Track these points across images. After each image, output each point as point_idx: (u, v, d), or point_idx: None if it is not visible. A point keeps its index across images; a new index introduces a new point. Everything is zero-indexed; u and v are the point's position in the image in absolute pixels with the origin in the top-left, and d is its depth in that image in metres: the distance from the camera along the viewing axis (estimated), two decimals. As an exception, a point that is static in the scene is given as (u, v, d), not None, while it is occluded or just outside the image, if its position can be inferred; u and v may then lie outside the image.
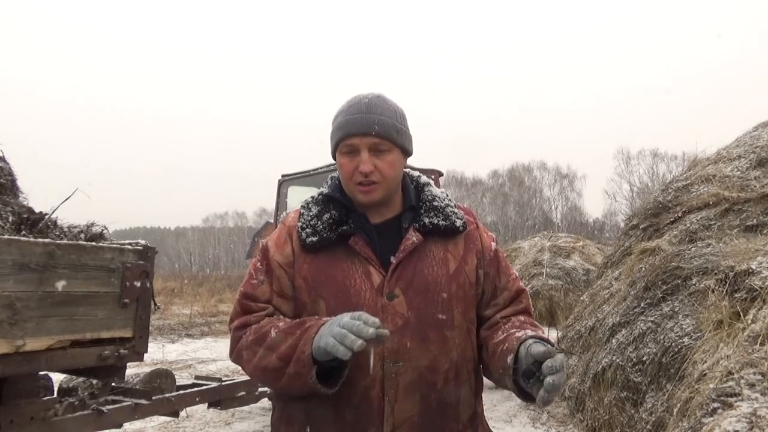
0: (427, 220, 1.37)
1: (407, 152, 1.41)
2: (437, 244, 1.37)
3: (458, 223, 1.40)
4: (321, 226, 1.35)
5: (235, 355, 1.34)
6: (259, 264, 1.40)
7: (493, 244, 1.46)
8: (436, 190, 1.46)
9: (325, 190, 1.44)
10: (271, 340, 1.25)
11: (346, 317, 1.16)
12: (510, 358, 1.24)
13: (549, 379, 1.12)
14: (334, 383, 1.22)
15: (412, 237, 1.35)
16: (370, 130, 1.32)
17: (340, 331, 1.13)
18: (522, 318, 1.41)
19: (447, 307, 1.33)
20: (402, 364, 1.28)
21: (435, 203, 1.41)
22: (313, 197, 1.45)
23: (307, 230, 1.35)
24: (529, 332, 1.27)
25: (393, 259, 1.32)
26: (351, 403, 1.28)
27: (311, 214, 1.38)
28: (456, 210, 1.42)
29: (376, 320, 1.14)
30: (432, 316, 1.32)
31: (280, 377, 1.23)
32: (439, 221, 1.38)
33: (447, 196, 1.46)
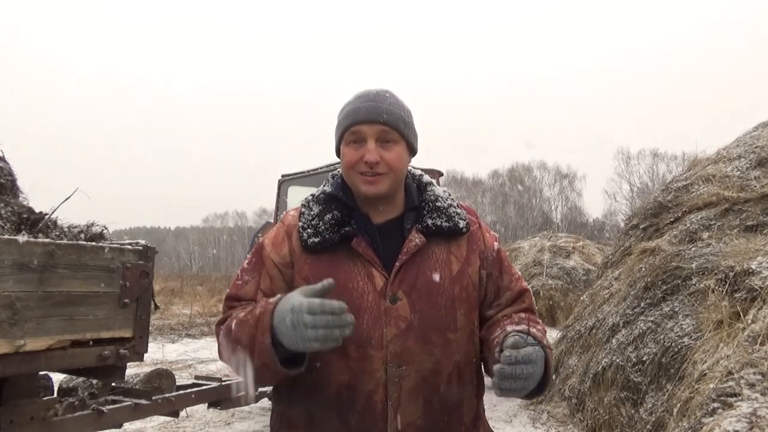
0: (430, 222, 1.35)
1: (413, 149, 1.39)
2: (440, 246, 1.35)
3: (461, 224, 1.37)
4: (323, 227, 1.32)
5: (219, 353, 1.34)
6: (246, 264, 1.38)
7: (496, 244, 1.44)
8: (438, 190, 1.43)
9: (327, 188, 1.40)
10: (233, 333, 1.24)
11: (305, 314, 1.10)
12: (497, 351, 1.22)
13: (497, 366, 1.14)
14: (300, 363, 1.20)
15: (415, 239, 1.32)
16: (378, 117, 1.30)
17: (317, 333, 1.09)
18: (523, 315, 1.40)
19: (450, 310, 1.32)
20: (405, 368, 1.26)
21: (438, 204, 1.39)
22: (313, 195, 1.42)
23: (309, 230, 1.32)
24: (517, 327, 1.26)
25: (396, 262, 1.30)
26: (354, 408, 1.26)
27: (312, 213, 1.35)
28: (459, 210, 1.40)
29: (338, 305, 1.11)
30: (435, 318, 1.30)
31: (251, 369, 1.22)
32: (442, 222, 1.35)
33: (449, 195, 1.44)
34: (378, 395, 1.26)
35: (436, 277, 1.32)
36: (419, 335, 1.28)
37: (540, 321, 1.41)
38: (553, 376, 5.97)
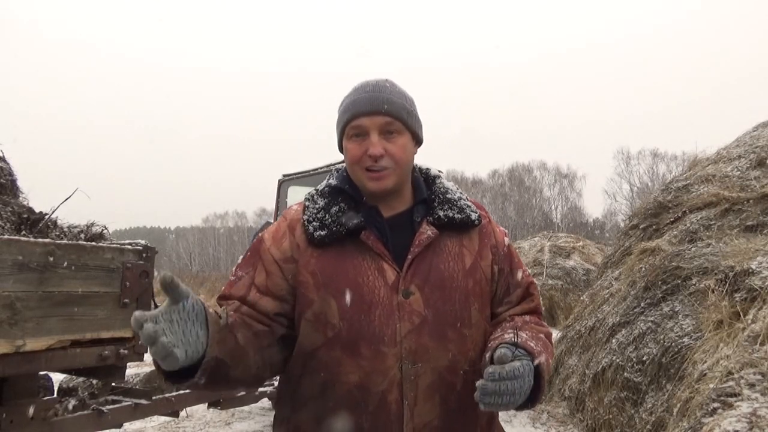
0: (441, 213, 1.30)
1: (418, 139, 1.34)
2: (452, 239, 1.30)
3: (473, 216, 1.33)
4: (329, 219, 1.26)
5: None
6: (242, 259, 1.33)
7: (506, 239, 1.40)
8: (447, 183, 1.39)
9: (332, 181, 1.35)
10: None
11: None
12: (487, 356, 1.19)
13: (480, 382, 1.09)
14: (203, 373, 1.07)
15: (427, 231, 1.28)
16: (380, 108, 1.25)
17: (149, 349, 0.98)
18: (527, 318, 1.35)
19: (464, 304, 1.26)
20: (421, 365, 1.20)
21: (448, 196, 1.34)
22: (317, 189, 1.36)
23: (315, 224, 1.27)
24: (508, 336, 1.21)
25: (409, 255, 1.25)
26: (367, 410, 1.20)
27: (318, 206, 1.30)
28: (469, 203, 1.36)
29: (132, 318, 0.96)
30: (450, 313, 1.24)
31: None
32: (454, 214, 1.31)
33: (458, 189, 1.40)
34: (392, 395, 1.19)
35: (450, 270, 1.27)
36: (434, 330, 1.22)
37: (544, 324, 1.37)
38: (548, 386, 5.98)
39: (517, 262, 1.41)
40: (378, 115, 1.25)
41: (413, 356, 1.20)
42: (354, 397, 1.20)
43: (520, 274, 1.39)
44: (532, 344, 1.19)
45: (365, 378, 1.20)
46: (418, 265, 1.25)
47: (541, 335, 1.30)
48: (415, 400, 1.20)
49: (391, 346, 1.20)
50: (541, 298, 1.45)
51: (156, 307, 3.29)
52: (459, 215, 1.31)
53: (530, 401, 1.16)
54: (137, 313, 0.95)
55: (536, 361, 1.15)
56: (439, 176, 1.42)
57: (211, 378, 1.07)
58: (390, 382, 1.20)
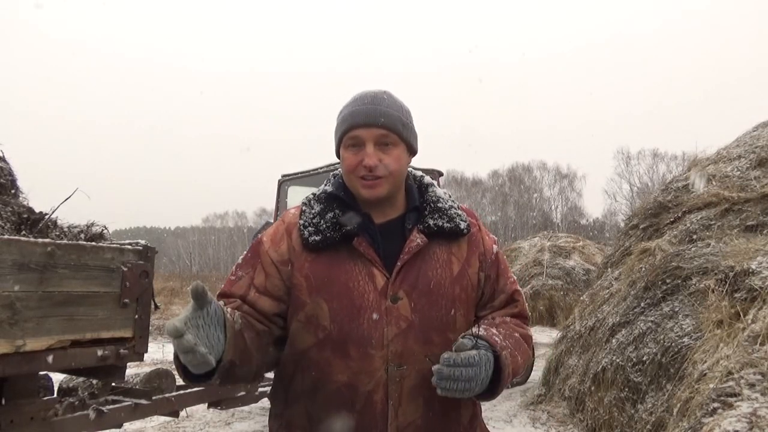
0: (431, 222, 1.35)
1: (412, 150, 1.39)
2: (441, 246, 1.36)
3: (462, 225, 1.38)
4: (324, 225, 1.32)
5: None
6: (242, 259, 1.38)
7: (495, 247, 1.45)
8: (439, 191, 1.44)
9: (328, 188, 1.41)
10: None
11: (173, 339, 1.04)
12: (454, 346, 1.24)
13: (436, 367, 1.17)
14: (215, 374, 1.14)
15: (417, 239, 1.33)
16: (376, 121, 1.30)
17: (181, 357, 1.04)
18: (508, 318, 1.42)
19: (450, 310, 1.32)
20: (406, 368, 1.27)
21: (439, 204, 1.40)
22: (314, 194, 1.42)
23: (310, 229, 1.32)
24: (474, 329, 1.28)
25: (398, 262, 1.31)
26: (354, 408, 1.26)
27: (314, 212, 1.36)
28: (460, 212, 1.41)
29: (170, 327, 1.01)
30: (436, 318, 1.30)
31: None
32: (443, 223, 1.36)
33: (450, 197, 1.45)
34: (378, 395, 1.26)
35: (437, 277, 1.33)
36: (420, 335, 1.28)
37: (525, 326, 1.44)
38: (545, 382, 5.98)
39: (504, 269, 1.46)
40: (374, 128, 1.31)
41: (399, 359, 1.27)
42: (342, 396, 1.27)
43: (504, 281, 1.45)
44: (496, 338, 1.27)
45: (353, 378, 1.26)
46: (407, 272, 1.31)
47: (516, 334, 1.37)
48: (400, 400, 1.27)
49: (378, 348, 1.26)
50: (527, 305, 1.50)
51: (156, 307, 3.24)
52: (448, 224, 1.37)
53: (490, 392, 1.23)
54: (174, 323, 1.01)
55: (496, 352, 1.22)
56: (432, 184, 1.47)
57: (223, 378, 1.15)
58: (376, 382, 1.26)
